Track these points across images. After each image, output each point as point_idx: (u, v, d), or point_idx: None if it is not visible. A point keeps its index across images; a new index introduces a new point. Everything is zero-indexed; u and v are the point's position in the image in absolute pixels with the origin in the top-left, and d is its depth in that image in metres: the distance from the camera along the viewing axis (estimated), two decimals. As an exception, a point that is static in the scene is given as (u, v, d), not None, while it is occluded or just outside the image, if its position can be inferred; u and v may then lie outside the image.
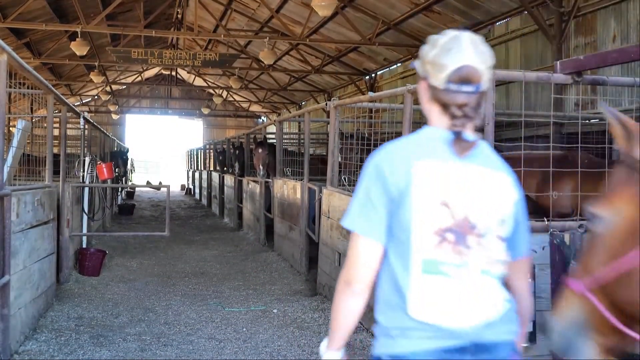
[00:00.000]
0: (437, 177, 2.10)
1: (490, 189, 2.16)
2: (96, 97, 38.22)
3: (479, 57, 2.15)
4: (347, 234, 7.66)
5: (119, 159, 19.92)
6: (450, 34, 2.19)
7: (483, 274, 2.12)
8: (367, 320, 6.86)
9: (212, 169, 25.17)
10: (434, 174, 2.10)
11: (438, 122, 2.22)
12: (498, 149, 4.19)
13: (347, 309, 2.22)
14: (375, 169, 2.17)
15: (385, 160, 2.15)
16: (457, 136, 2.14)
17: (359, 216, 2.18)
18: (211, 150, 26.97)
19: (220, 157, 21.62)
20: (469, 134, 2.17)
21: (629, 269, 1.81)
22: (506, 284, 2.28)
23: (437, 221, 2.08)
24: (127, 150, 23.41)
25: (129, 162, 22.69)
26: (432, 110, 2.24)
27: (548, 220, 5.23)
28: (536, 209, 7.79)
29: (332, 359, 2.30)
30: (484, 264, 2.12)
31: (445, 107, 2.17)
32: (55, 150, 9.75)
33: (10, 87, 6.89)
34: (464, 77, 2.12)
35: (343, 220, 2.25)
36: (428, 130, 2.23)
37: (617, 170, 1.93)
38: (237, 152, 17.87)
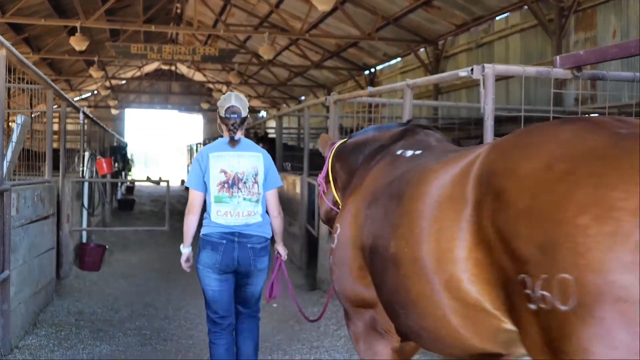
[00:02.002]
0: (219, 159, 4.56)
1: (248, 161, 4.61)
2: (95, 92, 38.22)
3: (239, 102, 4.63)
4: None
5: (117, 154, 19.92)
6: (227, 93, 4.69)
7: (245, 200, 4.56)
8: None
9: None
10: (218, 158, 4.56)
11: (225, 134, 4.68)
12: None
13: (191, 222, 4.70)
14: (196, 158, 4.67)
15: (199, 154, 4.66)
16: (231, 139, 4.60)
17: (191, 181, 4.65)
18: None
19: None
20: (237, 136, 4.61)
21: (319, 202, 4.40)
22: (267, 210, 4.77)
23: (218, 179, 4.54)
24: (126, 145, 23.37)
25: (128, 156, 22.54)
26: (223, 127, 4.71)
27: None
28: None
29: (188, 251, 4.85)
30: (246, 195, 4.56)
31: (226, 125, 4.65)
32: (55, 146, 9.75)
33: (9, 82, 6.89)
34: (231, 111, 4.59)
35: (186, 183, 4.76)
36: (220, 139, 4.71)
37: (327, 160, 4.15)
38: None
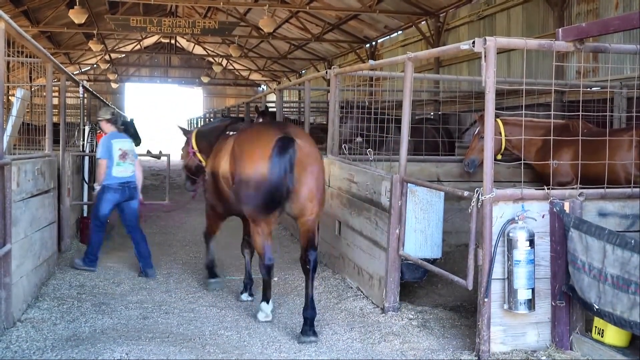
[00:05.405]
0: (117, 143, 8.30)
1: (128, 144, 8.47)
2: (95, 65, 38.03)
3: (116, 110, 9.61)
4: (346, 203, 7.66)
5: (130, 128, 19.88)
6: (105, 107, 9.33)
7: (129, 164, 8.36)
8: (368, 288, 6.91)
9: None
10: (116, 142, 8.29)
11: (111, 129, 8.56)
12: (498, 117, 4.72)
13: (103, 172, 8.21)
14: (103, 143, 8.27)
15: (107, 140, 8.29)
16: (118, 130, 8.64)
17: (101, 154, 8.19)
18: (211, 120, 26.86)
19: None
20: (120, 128, 8.89)
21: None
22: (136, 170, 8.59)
23: (118, 153, 8.24)
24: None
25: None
26: (108, 125, 8.55)
27: (548, 189, 5.24)
28: (536, 177, 7.81)
29: (99, 188, 8.38)
30: (129, 162, 8.35)
31: (111, 122, 8.57)
32: (55, 119, 9.72)
33: (8, 55, 6.84)
34: (115, 115, 8.81)
35: (98, 155, 8.26)
36: (111, 133, 8.48)
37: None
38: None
